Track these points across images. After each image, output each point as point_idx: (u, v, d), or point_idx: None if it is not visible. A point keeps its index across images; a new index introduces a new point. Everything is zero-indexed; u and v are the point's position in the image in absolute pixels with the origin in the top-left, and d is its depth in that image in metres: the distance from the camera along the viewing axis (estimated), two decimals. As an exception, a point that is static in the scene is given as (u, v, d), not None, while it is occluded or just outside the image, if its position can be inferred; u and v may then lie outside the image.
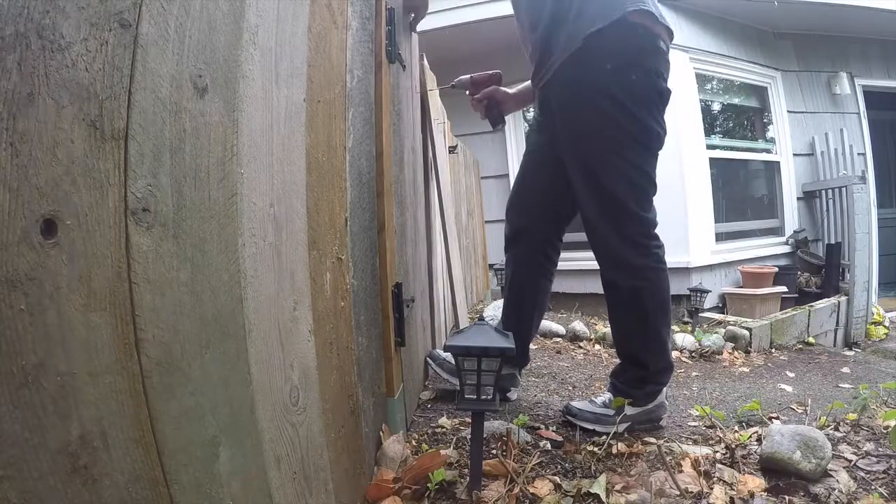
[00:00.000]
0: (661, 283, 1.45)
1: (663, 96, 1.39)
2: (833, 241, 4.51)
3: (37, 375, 0.41)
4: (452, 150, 3.14)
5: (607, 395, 1.54)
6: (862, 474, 1.17)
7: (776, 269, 4.17)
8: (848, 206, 4.15)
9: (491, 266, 4.77)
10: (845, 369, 2.64)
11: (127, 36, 0.48)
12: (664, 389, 1.55)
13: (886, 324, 4.13)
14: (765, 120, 4.96)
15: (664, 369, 1.51)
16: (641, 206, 1.46)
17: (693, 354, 2.72)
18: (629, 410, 1.48)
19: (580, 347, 2.81)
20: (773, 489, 1.11)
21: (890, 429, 1.33)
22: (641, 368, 1.49)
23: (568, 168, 1.47)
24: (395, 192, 1.43)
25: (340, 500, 0.89)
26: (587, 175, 1.44)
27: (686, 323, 3.55)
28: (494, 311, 3.27)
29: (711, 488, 1.09)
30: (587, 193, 1.45)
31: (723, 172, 4.53)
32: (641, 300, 1.43)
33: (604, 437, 1.39)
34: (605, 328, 3.05)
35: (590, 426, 1.47)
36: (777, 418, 1.66)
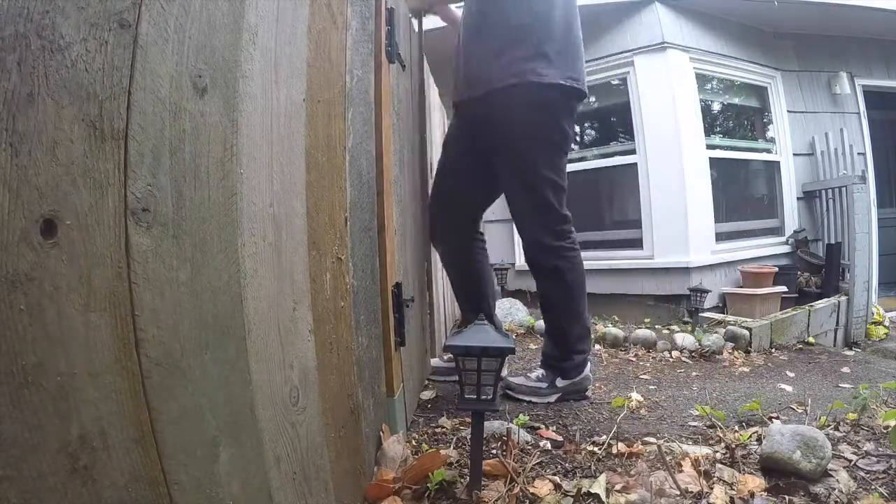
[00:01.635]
0: (577, 262, 1.77)
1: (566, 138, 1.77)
2: (833, 241, 4.50)
3: (37, 375, 0.41)
4: (452, 150, 3.14)
5: (540, 371, 1.81)
6: (862, 474, 1.17)
7: (776, 269, 4.17)
8: (848, 205, 4.15)
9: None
10: (845, 369, 2.64)
11: (126, 36, 0.48)
12: (588, 365, 1.82)
13: (886, 324, 4.13)
14: (765, 120, 4.95)
15: (583, 336, 1.81)
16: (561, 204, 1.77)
17: (693, 354, 2.72)
18: (559, 382, 1.77)
19: (580, 347, 2.81)
20: (773, 489, 1.11)
21: (890, 429, 1.33)
22: (564, 340, 1.78)
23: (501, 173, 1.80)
24: (395, 192, 1.43)
25: (340, 500, 0.89)
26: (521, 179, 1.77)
27: (686, 323, 3.55)
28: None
29: (711, 488, 1.09)
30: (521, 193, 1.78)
31: (723, 172, 4.52)
32: (563, 276, 1.74)
33: (604, 437, 1.40)
34: (604, 328, 3.05)
35: (526, 398, 1.74)
36: (777, 418, 1.66)
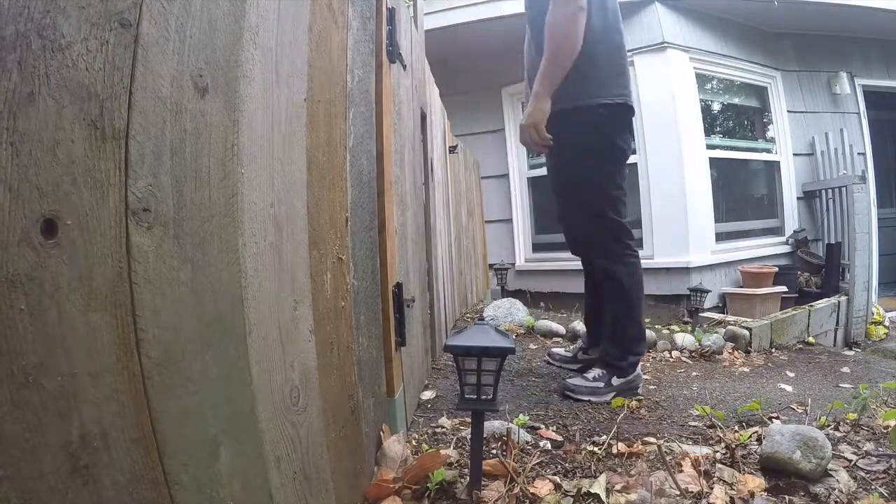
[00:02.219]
0: (636, 268, 1.90)
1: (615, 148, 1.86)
2: (833, 241, 4.51)
3: (37, 375, 0.40)
4: (452, 150, 3.14)
5: (597, 371, 1.86)
6: (862, 474, 1.17)
7: (776, 269, 4.17)
8: (848, 205, 4.15)
9: (491, 266, 4.77)
10: (845, 369, 2.64)
11: (127, 35, 0.48)
12: (640, 363, 1.94)
13: (886, 323, 4.13)
14: (765, 120, 4.95)
15: (638, 338, 1.91)
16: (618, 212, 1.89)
17: (693, 354, 2.72)
18: (615, 381, 1.83)
19: (580, 347, 2.81)
20: (773, 489, 1.11)
21: (890, 429, 1.33)
22: (622, 340, 1.87)
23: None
24: (395, 192, 1.43)
25: (341, 500, 0.89)
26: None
27: (686, 323, 3.55)
28: (494, 310, 3.27)
29: (711, 488, 1.09)
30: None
31: (723, 172, 4.53)
32: (622, 281, 1.87)
33: (604, 437, 1.40)
34: (605, 328, 3.04)
35: (585, 398, 1.79)
36: (777, 418, 1.66)
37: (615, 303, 1.89)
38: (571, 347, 2.35)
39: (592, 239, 1.90)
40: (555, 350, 2.36)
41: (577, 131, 1.79)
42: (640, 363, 1.94)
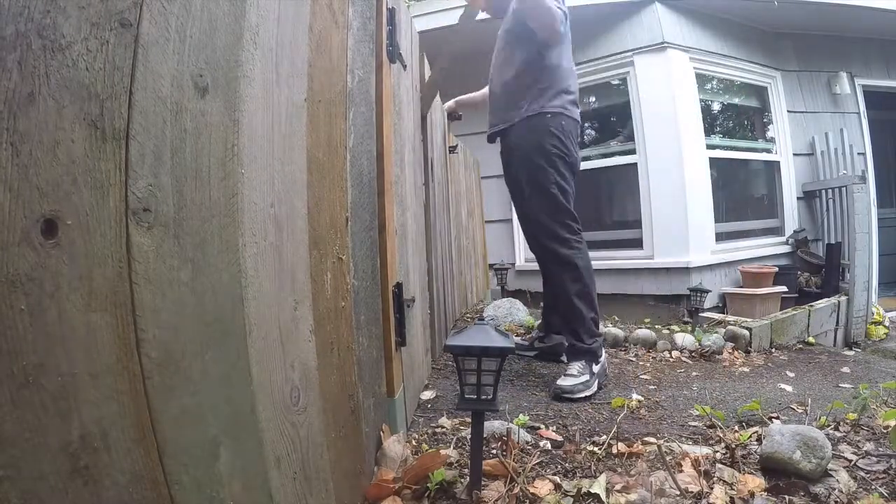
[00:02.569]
0: (585, 253, 2.03)
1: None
2: (833, 241, 4.51)
3: (37, 375, 0.40)
4: (452, 150, 3.14)
5: (577, 364, 1.91)
6: (862, 474, 1.17)
7: (776, 269, 4.17)
8: (848, 205, 4.14)
9: (491, 266, 4.77)
10: (845, 369, 2.64)
11: (128, 35, 0.48)
12: (603, 351, 2.02)
13: (886, 324, 4.13)
14: (765, 120, 4.95)
15: (596, 319, 2.01)
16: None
17: (693, 354, 2.72)
18: (595, 368, 1.91)
19: (580, 347, 2.81)
20: (773, 489, 1.11)
21: (890, 429, 1.33)
22: (583, 323, 1.96)
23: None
24: (395, 192, 1.43)
25: (341, 499, 0.89)
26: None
27: (686, 323, 3.55)
28: (494, 310, 3.27)
29: (711, 488, 1.09)
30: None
31: (723, 172, 4.52)
32: (575, 263, 1.98)
33: (604, 437, 1.40)
34: (604, 328, 3.05)
35: (581, 395, 1.81)
36: (777, 418, 1.66)
37: (574, 287, 1.98)
38: (527, 337, 2.49)
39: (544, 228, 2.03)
40: (515, 339, 2.43)
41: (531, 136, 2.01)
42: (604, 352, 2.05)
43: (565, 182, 2.01)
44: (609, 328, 3.02)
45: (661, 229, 4.13)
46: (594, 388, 1.87)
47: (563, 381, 1.86)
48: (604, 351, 2.03)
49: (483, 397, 1.07)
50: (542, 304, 2.40)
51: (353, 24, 1.10)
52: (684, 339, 2.82)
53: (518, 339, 2.45)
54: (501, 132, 2.14)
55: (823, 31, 4.80)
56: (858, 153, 4.81)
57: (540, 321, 2.48)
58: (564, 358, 2.13)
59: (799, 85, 4.85)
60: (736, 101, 4.95)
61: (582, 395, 1.82)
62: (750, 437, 1.36)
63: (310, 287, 0.82)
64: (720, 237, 4.33)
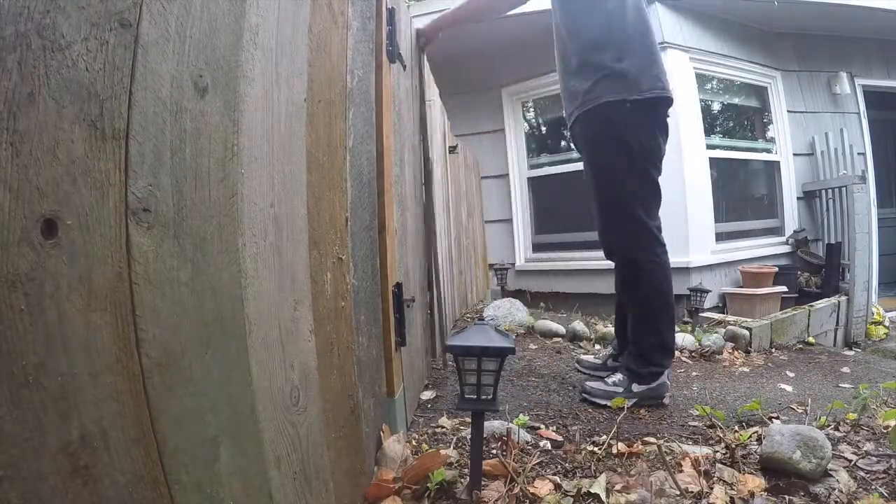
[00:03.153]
0: (656, 274, 1.80)
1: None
2: (833, 241, 4.51)
3: (37, 375, 0.40)
4: (452, 150, 3.14)
5: (618, 376, 1.82)
6: (862, 474, 1.17)
7: (776, 269, 4.17)
8: (848, 205, 4.15)
9: (491, 266, 4.77)
10: (845, 369, 2.64)
11: (127, 36, 0.48)
12: (666, 371, 1.81)
13: (886, 323, 4.13)
14: (765, 120, 4.95)
15: (659, 348, 1.79)
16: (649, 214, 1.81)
17: (693, 354, 2.72)
18: (635, 388, 1.77)
19: (580, 347, 2.81)
20: (773, 489, 1.11)
21: (890, 429, 1.33)
22: (641, 348, 1.79)
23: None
24: (395, 192, 1.43)
25: (341, 499, 0.89)
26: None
27: (686, 323, 3.54)
28: (494, 311, 3.27)
29: (711, 488, 1.09)
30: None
31: (723, 172, 4.52)
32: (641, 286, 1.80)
33: (604, 437, 1.40)
34: (604, 328, 3.05)
35: (602, 402, 1.74)
36: (777, 418, 1.66)
37: (634, 309, 1.85)
38: (601, 354, 2.29)
39: (616, 241, 1.82)
40: (584, 357, 2.30)
41: (601, 129, 1.75)
42: (668, 371, 1.83)
43: None
44: (609, 328, 3.02)
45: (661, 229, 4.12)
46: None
47: (592, 383, 1.82)
48: (664, 379, 1.81)
49: (483, 397, 1.07)
50: (614, 319, 2.18)
51: (352, 24, 1.10)
52: (684, 339, 2.82)
53: (591, 358, 2.26)
54: None
55: (823, 31, 4.80)
56: (858, 153, 4.82)
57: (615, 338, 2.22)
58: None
59: (799, 85, 4.85)
60: (736, 101, 4.95)
61: (602, 401, 1.74)
62: (750, 437, 1.36)
63: (309, 287, 0.82)
64: (720, 237, 4.33)
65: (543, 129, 5.44)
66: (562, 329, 3.00)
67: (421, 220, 1.97)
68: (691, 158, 4.08)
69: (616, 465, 1.24)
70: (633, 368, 1.80)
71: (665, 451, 1.25)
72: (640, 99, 1.68)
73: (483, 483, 1.08)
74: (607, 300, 4.16)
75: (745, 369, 2.55)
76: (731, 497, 1.07)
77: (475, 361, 1.04)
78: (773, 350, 3.05)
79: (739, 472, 1.18)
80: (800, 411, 1.81)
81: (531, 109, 5.27)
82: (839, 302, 3.84)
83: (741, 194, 4.88)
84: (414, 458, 1.20)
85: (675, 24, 4.18)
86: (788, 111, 4.76)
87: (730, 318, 3.43)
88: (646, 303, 1.80)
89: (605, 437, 1.38)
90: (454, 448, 1.30)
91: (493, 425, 1.39)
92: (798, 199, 4.77)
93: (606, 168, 1.78)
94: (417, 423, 1.54)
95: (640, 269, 1.78)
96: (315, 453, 0.79)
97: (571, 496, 1.07)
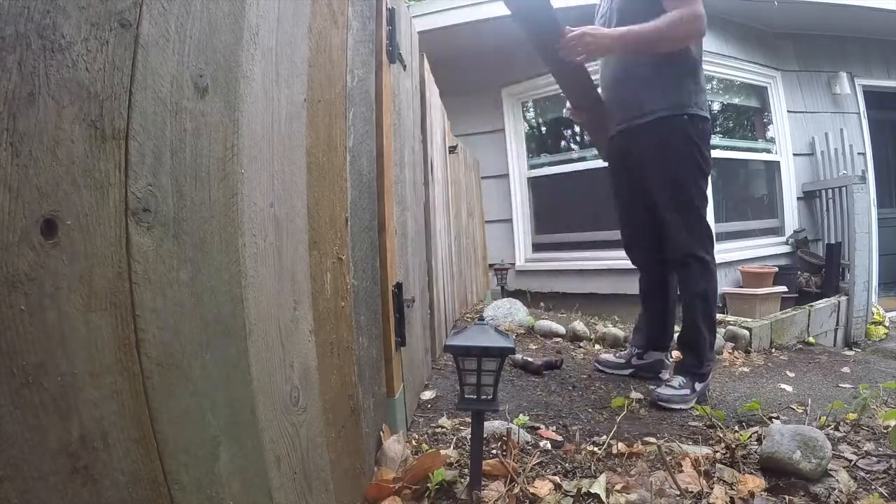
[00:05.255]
0: (715, 275, 1.96)
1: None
2: (833, 241, 4.50)
3: (37, 375, 0.40)
4: (452, 150, 3.14)
5: (680, 378, 1.90)
6: (862, 474, 1.17)
7: (776, 269, 4.17)
8: (848, 205, 4.14)
9: (491, 266, 4.77)
10: (845, 369, 2.64)
11: (127, 36, 0.48)
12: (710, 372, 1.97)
13: (886, 324, 4.13)
14: (765, 120, 4.95)
15: (713, 344, 1.94)
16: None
17: (693, 354, 2.72)
18: (697, 386, 1.87)
19: (580, 347, 2.81)
20: (773, 489, 1.11)
21: (890, 429, 1.33)
22: (700, 347, 1.91)
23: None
24: (395, 192, 1.43)
25: (340, 499, 0.89)
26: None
27: (686, 323, 3.54)
28: (494, 311, 3.27)
29: (711, 488, 1.09)
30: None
31: (723, 172, 4.52)
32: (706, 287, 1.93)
33: (604, 437, 1.40)
34: (604, 328, 3.05)
35: (677, 406, 1.81)
36: (777, 418, 1.66)
37: (694, 308, 1.92)
38: (621, 354, 2.34)
39: (689, 241, 1.93)
40: (604, 357, 2.34)
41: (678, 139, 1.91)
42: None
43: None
44: (609, 328, 3.02)
45: (661, 229, 4.12)
46: (692, 402, 1.84)
47: (663, 391, 1.85)
48: (709, 379, 1.98)
49: (483, 397, 1.07)
50: (639, 318, 2.29)
51: (352, 24, 1.10)
52: (684, 339, 2.82)
53: (612, 357, 2.32)
54: None
55: (823, 31, 4.80)
56: (858, 153, 4.81)
57: (631, 337, 2.37)
58: (662, 375, 2.12)
59: (799, 85, 4.85)
60: (736, 101, 4.95)
61: (678, 406, 1.81)
62: (750, 437, 1.36)
63: (309, 287, 0.82)
64: (720, 237, 4.32)
65: (543, 129, 5.44)
66: (562, 329, 3.00)
67: (421, 220, 1.97)
68: (691, 158, 4.07)
69: (616, 465, 1.24)
70: (694, 369, 1.90)
71: (665, 451, 1.25)
72: (706, 116, 1.96)
73: (483, 483, 1.08)
74: (607, 300, 4.17)
75: (746, 369, 2.55)
76: (731, 497, 1.07)
77: (475, 361, 1.04)
78: (774, 350, 3.05)
79: (739, 472, 1.18)
80: (800, 411, 1.81)
81: (531, 109, 5.27)
82: (839, 302, 3.84)
83: (741, 194, 4.88)
84: (414, 458, 1.20)
85: (675, 24, 4.17)
86: (788, 111, 4.76)
87: (730, 318, 3.43)
88: (707, 301, 1.92)
89: (605, 437, 1.38)
90: (454, 448, 1.30)
91: (493, 425, 1.39)
92: (798, 199, 4.76)
93: (682, 174, 1.93)
94: (417, 423, 1.54)
95: (706, 268, 1.92)
96: (315, 453, 0.79)
97: (571, 496, 1.07)
